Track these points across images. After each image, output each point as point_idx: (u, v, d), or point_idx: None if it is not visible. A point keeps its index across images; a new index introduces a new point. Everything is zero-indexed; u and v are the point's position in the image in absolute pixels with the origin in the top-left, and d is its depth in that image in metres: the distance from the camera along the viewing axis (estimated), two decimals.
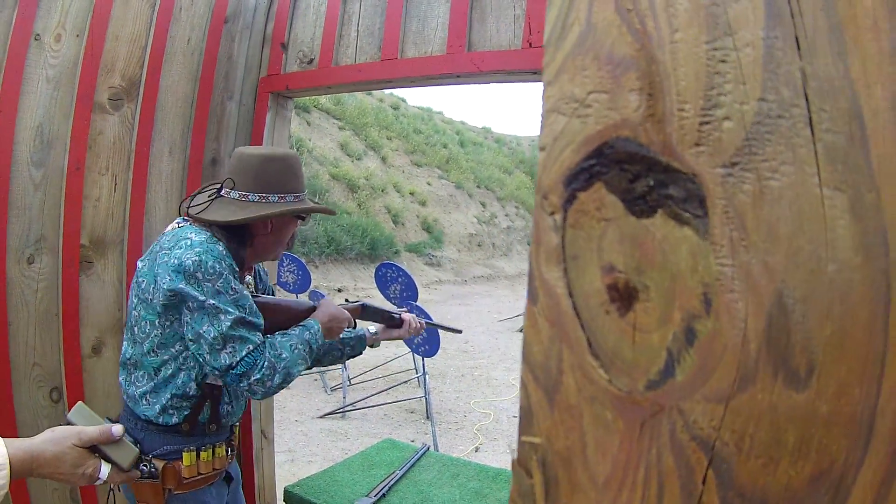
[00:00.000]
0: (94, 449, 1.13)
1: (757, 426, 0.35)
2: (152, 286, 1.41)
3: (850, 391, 0.35)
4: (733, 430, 0.35)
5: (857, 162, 0.34)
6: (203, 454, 1.50)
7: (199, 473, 1.50)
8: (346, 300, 1.91)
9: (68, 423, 1.16)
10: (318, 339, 1.56)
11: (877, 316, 0.35)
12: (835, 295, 0.35)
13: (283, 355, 1.43)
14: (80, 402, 1.24)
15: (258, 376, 1.37)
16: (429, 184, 18.11)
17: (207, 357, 1.37)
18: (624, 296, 0.36)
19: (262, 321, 1.45)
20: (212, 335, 1.35)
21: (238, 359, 1.36)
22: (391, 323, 1.95)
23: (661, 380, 0.36)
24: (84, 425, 1.14)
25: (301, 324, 1.58)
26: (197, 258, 1.37)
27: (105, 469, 1.13)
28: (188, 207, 1.54)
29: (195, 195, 1.63)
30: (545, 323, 0.37)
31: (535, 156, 28.25)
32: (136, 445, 1.24)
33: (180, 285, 1.36)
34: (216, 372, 1.38)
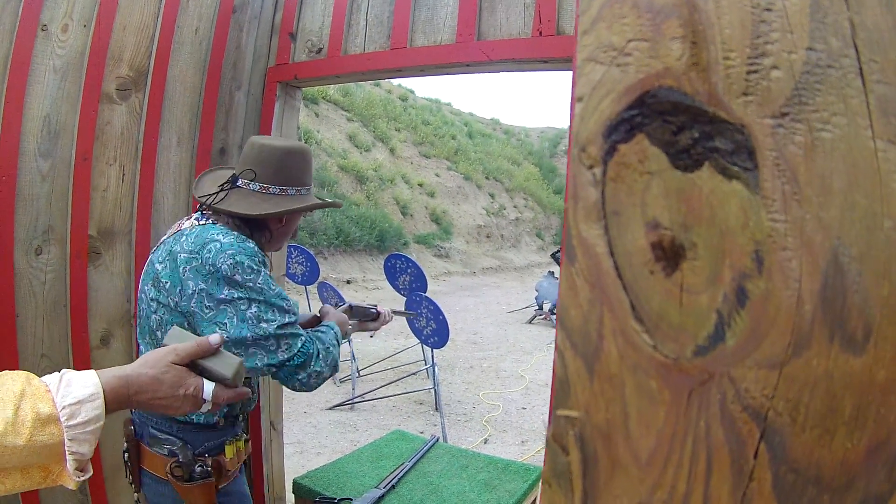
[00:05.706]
0: (195, 370, 1.02)
1: (812, 394, 0.33)
2: (178, 289, 1.37)
3: None
4: (787, 398, 0.33)
5: None
6: (238, 444, 1.52)
7: (236, 464, 1.52)
8: (336, 304, 1.91)
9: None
10: (340, 340, 1.59)
11: None
12: (892, 253, 0.33)
13: (330, 348, 1.46)
14: (175, 325, 1.14)
15: (317, 368, 1.40)
16: (437, 175, 18.08)
17: (265, 358, 1.35)
18: (670, 254, 0.33)
19: (297, 310, 1.46)
20: (262, 336, 1.34)
21: (294, 352, 1.37)
22: (369, 317, 1.99)
23: (711, 345, 0.33)
24: None
25: (324, 324, 1.61)
26: (232, 260, 1.34)
27: (208, 387, 1.01)
28: (207, 199, 1.50)
29: (201, 178, 1.63)
30: (584, 284, 0.35)
31: (543, 148, 28.16)
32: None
33: (223, 293, 1.33)
34: (272, 368, 1.36)
